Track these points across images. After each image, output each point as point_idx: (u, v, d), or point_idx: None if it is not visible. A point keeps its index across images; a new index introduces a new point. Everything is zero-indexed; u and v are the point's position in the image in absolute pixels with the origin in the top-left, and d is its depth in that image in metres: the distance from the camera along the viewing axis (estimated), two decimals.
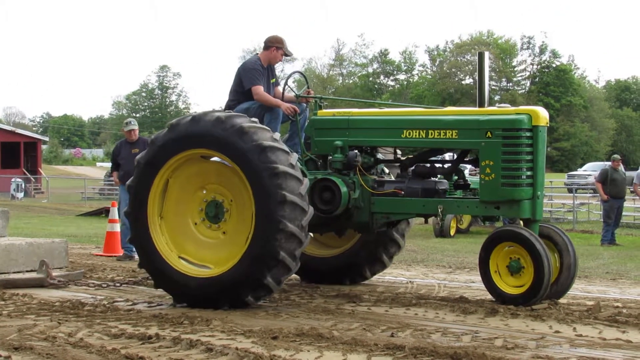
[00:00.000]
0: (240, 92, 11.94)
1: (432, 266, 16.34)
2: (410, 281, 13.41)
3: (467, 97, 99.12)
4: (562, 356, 7.77)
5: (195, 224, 11.06)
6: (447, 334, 8.85)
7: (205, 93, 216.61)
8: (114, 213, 18.54)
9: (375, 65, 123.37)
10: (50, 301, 10.95)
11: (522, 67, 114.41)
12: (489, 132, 10.65)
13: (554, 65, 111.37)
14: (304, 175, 10.89)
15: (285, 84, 12.09)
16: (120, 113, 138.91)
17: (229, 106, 11.96)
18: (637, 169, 26.43)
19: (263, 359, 7.55)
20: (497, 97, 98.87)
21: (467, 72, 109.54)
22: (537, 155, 10.65)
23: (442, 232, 24.88)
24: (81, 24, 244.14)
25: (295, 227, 10.13)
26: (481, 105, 11.08)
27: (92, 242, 21.55)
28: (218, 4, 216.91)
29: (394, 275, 13.95)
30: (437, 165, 11.80)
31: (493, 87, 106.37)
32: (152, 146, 10.94)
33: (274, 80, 12.27)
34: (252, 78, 11.81)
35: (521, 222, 11.19)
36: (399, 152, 12.33)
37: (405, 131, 11.24)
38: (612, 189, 23.39)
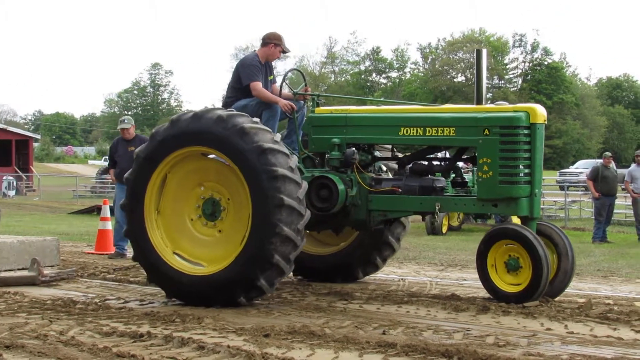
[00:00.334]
0: (238, 89, 11.93)
1: (424, 264, 16.35)
2: (402, 279, 13.42)
3: (459, 95, 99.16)
4: (553, 353, 7.78)
5: (192, 220, 11.04)
6: (438, 332, 8.85)
7: (198, 91, 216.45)
8: (106, 211, 18.54)
9: (367, 63, 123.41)
10: (41, 299, 10.93)
11: (514, 64, 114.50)
12: (486, 130, 10.65)
13: (545, 63, 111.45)
14: (302, 173, 10.91)
15: (283, 81, 12.08)
16: (112, 111, 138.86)
17: (227, 103, 11.95)
18: (628, 167, 26.42)
19: (255, 357, 7.54)
20: (489, 95, 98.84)
21: (459, 69, 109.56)
22: (534, 153, 10.65)
23: (434, 230, 24.89)
24: (73, 21, 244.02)
25: (291, 231, 10.11)
26: (479, 102, 11.08)
27: (83, 240, 21.51)
28: (211, 1, 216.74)
29: (385, 272, 13.96)
30: (435, 162, 11.80)
31: (485, 85, 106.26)
32: (152, 141, 10.91)
33: (271, 77, 12.25)
34: (251, 74, 11.80)
35: (516, 219, 11.20)
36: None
37: (402, 129, 11.23)
38: (603, 187, 23.42)
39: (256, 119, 10.72)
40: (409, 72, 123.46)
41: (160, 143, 10.81)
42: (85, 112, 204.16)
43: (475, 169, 10.92)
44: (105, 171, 56.68)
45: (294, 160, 10.43)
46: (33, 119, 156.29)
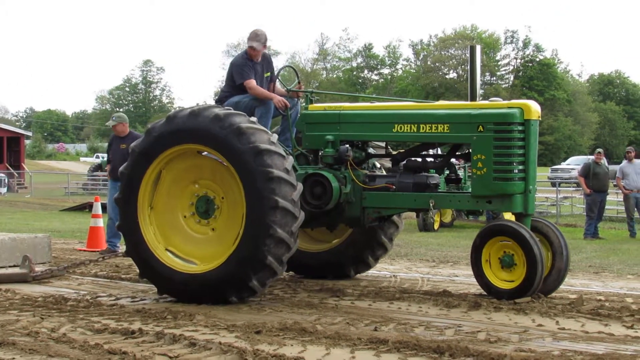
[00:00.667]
0: (232, 86, 11.92)
1: (416, 260, 16.36)
2: (393, 275, 13.43)
3: (451, 92, 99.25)
4: (544, 349, 7.79)
5: (185, 217, 11.03)
6: (430, 328, 8.86)
7: (189, 88, 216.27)
8: (97, 208, 18.52)
9: (359, 60, 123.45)
10: (33, 296, 10.91)
11: (506, 61, 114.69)
12: (480, 126, 10.65)
13: (537, 60, 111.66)
14: (295, 170, 10.91)
15: (276, 78, 12.06)
16: (103, 108, 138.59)
17: (221, 99, 11.95)
18: (619, 163, 26.46)
19: (246, 354, 7.54)
20: (481, 92, 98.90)
21: (451, 66, 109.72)
22: (529, 149, 10.66)
23: (425, 226, 24.90)
24: (64, 18, 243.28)
25: (285, 233, 10.10)
26: (473, 99, 11.09)
27: (75, 237, 21.47)
28: None
29: (377, 269, 13.94)
30: (429, 159, 11.79)
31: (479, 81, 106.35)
32: (147, 136, 10.89)
33: (267, 74, 12.20)
34: (242, 73, 11.79)
35: (509, 216, 11.21)
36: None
37: (396, 125, 11.23)
38: (594, 183, 23.45)
39: (253, 118, 10.70)
40: (401, 68, 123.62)
41: (156, 139, 10.79)
42: (76, 109, 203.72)
43: (467, 165, 10.92)
44: (97, 168, 56.69)
45: (289, 162, 10.42)
46: (24, 116, 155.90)
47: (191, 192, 11.02)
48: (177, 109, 11.19)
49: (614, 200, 30.54)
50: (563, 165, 63.74)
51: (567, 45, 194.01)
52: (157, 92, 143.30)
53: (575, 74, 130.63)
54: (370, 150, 11.98)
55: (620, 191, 25.01)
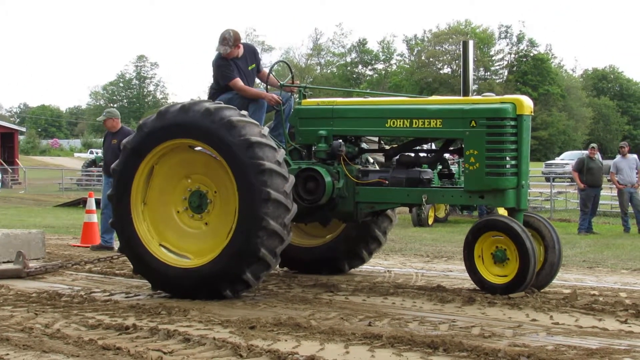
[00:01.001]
0: (220, 84, 11.90)
1: (410, 255, 16.37)
2: (388, 270, 13.43)
3: (445, 87, 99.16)
4: (538, 344, 7.80)
5: (178, 212, 11.03)
6: (424, 323, 8.87)
7: (184, 83, 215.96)
8: (91, 203, 18.49)
9: (353, 55, 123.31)
10: (27, 292, 10.90)
11: (500, 56, 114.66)
12: (473, 122, 10.66)
13: (531, 55, 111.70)
14: (289, 165, 10.91)
15: (269, 73, 12.04)
16: (97, 103, 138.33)
17: (213, 95, 11.91)
18: (613, 158, 26.49)
19: (240, 349, 7.54)
20: (475, 87, 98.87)
21: (445, 61, 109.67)
22: (521, 145, 10.67)
23: (420, 221, 24.88)
24: (58, 14, 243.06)
25: (277, 225, 10.11)
26: (466, 94, 11.08)
27: (69, 232, 21.46)
28: None
29: (371, 264, 13.95)
30: (422, 154, 11.79)
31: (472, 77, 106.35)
32: (139, 132, 10.90)
33: (252, 66, 12.15)
34: (225, 75, 11.76)
35: (502, 211, 11.21)
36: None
37: (389, 120, 11.22)
38: (588, 178, 23.46)
39: (244, 112, 10.71)
40: (395, 63, 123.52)
41: (148, 135, 10.79)
42: (70, 104, 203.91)
43: (461, 160, 10.92)
44: (91, 164, 56.62)
45: (281, 154, 10.42)
46: (18, 112, 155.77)
47: (184, 187, 11.02)
48: (170, 104, 11.18)
49: (608, 195, 30.54)
50: (557, 160, 63.70)
51: (561, 40, 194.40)
52: (151, 88, 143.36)
53: (569, 69, 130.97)
54: (364, 146, 11.97)
55: (614, 186, 25.02)
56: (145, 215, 10.97)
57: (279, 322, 8.74)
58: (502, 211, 11.74)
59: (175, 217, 11.04)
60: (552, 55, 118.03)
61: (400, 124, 11.16)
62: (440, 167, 11.81)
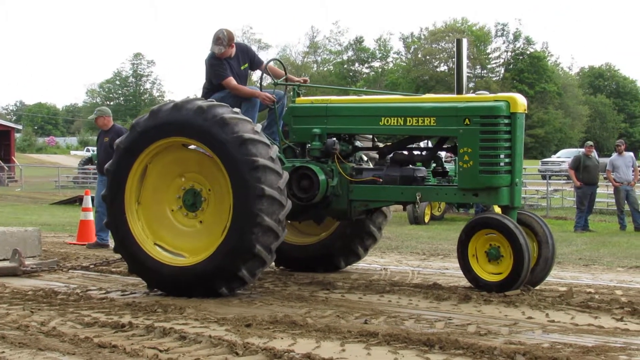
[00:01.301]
0: (213, 84, 11.90)
1: (406, 253, 16.37)
2: (384, 268, 13.44)
3: (441, 85, 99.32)
4: (534, 342, 7.81)
5: (172, 211, 11.02)
6: (420, 321, 8.87)
7: (180, 81, 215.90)
8: (88, 201, 18.50)
9: (350, 53, 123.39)
10: (23, 290, 10.90)
11: (496, 54, 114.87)
12: (467, 120, 10.66)
13: (527, 52, 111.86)
14: (283, 163, 10.91)
15: (263, 72, 12.03)
16: (94, 101, 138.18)
17: (206, 94, 11.91)
18: (610, 156, 26.51)
19: (236, 347, 7.54)
20: (471, 85, 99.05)
21: (441, 59, 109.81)
22: (515, 143, 10.67)
23: (416, 219, 24.88)
24: (54, 11, 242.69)
25: (272, 221, 10.11)
26: (459, 92, 11.09)
27: (65, 230, 21.43)
28: None
29: (367, 262, 13.96)
30: (416, 152, 11.80)
31: (467, 75, 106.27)
32: (132, 131, 10.89)
33: (245, 65, 12.13)
34: (217, 74, 11.75)
35: (498, 209, 11.21)
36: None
37: (383, 118, 11.22)
38: (585, 176, 23.50)
39: (236, 109, 10.71)
40: (392, 61, 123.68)
41: (141, 134, 10.78)
42: (67, 102, 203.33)
43: (457, 158, 10.93)
44: (87, 162, 56.57)
45: (274, 151, 10.42)
46: (15, 110, 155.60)
47: (178, 185, 11.02)
48: (163, 102, 11.18)
49: (604, 193, 30.59)
50: (553, 158, 63.86)
51: (558, 38, 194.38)
52: (148, 86, 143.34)
53: (566, 66, 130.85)
54: (358, 144, 11.98)
55: (610, 184, 25.07)
56: (139, 215, 10.96)
57: (275, 319, 8.74)
58: (497, 209, 11.76)
59: (170, 215, 11.04)
60: (549, 53, 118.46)
61: (394, 122, 11.16)
62: (434, 165, 11.81)
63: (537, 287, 10.84)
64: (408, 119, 11.07)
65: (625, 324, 8.81)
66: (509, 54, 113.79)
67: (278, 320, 8.73)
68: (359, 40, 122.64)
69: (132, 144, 10.84)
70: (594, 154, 24.45)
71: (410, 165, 11.50)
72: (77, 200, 33.47)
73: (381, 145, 12.16)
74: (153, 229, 10.96)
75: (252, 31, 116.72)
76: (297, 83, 12.14)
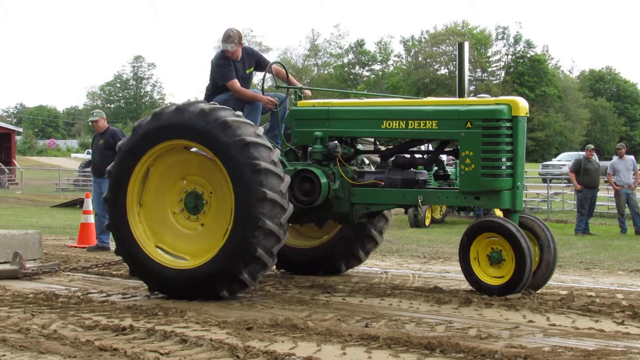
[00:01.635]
0: (217, 85, 11.91)
1: (407, 256, 16.37)
2: (384, 271, 13.43)
3: (442, 88, 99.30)
4: (535, 345, 7.81)
5: (174, 213, 11.02)
6: (421, 324, 8.87)
7: (181, 83, 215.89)
8: (88, 204, 18.50)
9: (350, 56, 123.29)
10: (23, 293, 10.90)
11: (497, 57, 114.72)
12: (468, 123, 10.67)
13: (528, 56, 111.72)
14: (284, 166, 10.91)
15: (265, 75, 12.04)
16: (94, 104, 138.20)
17: (208, 96, 11.92)
18: (610, 159, 26.53)
19: (237, 350, 7.54)
20: (472, 88, 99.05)
21: (442, 62, 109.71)
22: (516, 146, 10.67)
23: (417, 222, 24.88)
24: (55, 14, 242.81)
25: (274, 224, 10.10)
26: (461, 95, 11.09)
27: (66, 233, 21.45)
28: None
29: (368, 265, 13.97)
30: (417, 155, 11.80)
31: (468, 78, 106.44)
32: (134, 134, 10.88)
33: (250, 69, 12.16)
34: (223, 74, 11.78)
35: (499, 212, 11.21)
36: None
37: (385, 122, 11.24)
38: (585, 179, 23.50)
39: (239, 112, 10.71)
40: (392, 64, 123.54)
41: (143, 136, 10.78)
42: (67, 105, 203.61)
43: (458, 161, 10.93)
44: (88, 164, 56.58)
45: (276, 154, 10.42)
46: (15, 112, 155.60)
47: (180, 188, 11.02)
48: (165, 105, 11.20)
49: (604, 197, 30.60)
50: (554, 161, 63.82)
51: (558, 42, 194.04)
52: (148, 88, 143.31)
53: (566, 70, 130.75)
54: (359, 147, 11.98)
55: (611, 187, 25.07)
56: (141, 217, 10.96)
57: (276, 323, 8.74)
58: (498, 212, 11.75)
59: (172, 218, 11.04)
60: (549, 56, 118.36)
61: (395, 125, 11.18)
62: (436, 168, 11.81)
63: (538, 291, 10.84)
64: (410, 122, 11.08)
65: (626, 328, 8.81)
66: (510, 57, 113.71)
67: (279, 323, 8.73)
68: (359, 43, 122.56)
69: (134, 146, 10.83)
70: (595, 157, 24.45)
71: (412, 169, 11.50)
72: (77, 203, 33.49)
73: (383, 148, 12.16)
74: (154, 231, 10.96)
75: (252, 34, 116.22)
76: (299, 86, 12.14)
